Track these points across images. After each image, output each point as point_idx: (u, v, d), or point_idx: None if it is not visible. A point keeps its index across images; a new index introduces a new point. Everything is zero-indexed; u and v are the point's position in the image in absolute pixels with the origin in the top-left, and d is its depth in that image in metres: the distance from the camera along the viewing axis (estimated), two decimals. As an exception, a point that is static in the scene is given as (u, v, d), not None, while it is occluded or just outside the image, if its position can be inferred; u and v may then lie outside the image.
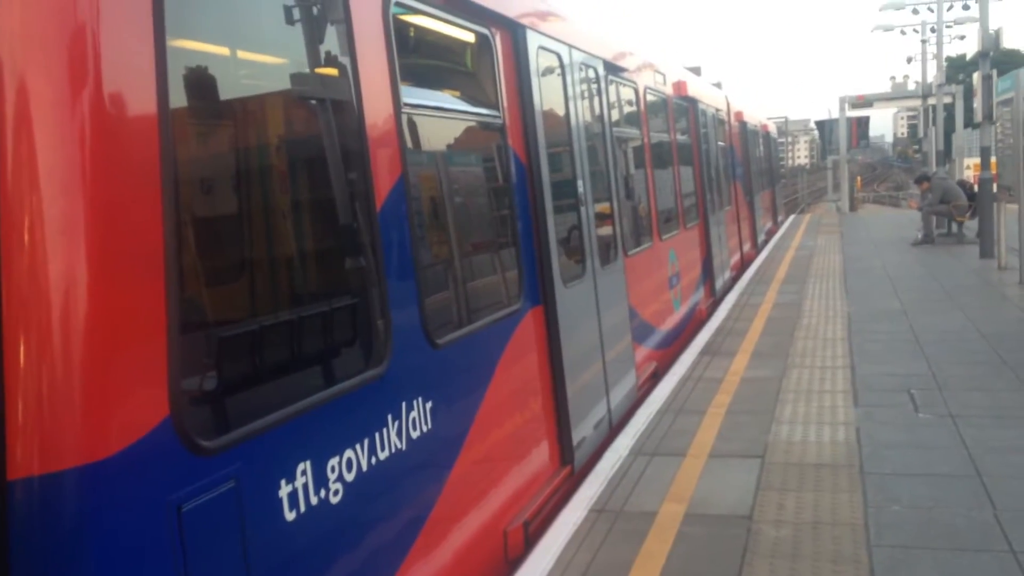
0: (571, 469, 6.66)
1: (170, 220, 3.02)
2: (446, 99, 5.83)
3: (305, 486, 3.64)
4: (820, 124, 44.98)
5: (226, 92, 3.68)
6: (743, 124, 22.70)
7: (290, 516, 3.54)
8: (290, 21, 4.02)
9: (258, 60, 4.03)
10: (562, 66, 7.59)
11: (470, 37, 6.02)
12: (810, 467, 6.58)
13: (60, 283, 2.71)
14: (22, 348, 2.67)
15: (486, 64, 6.15)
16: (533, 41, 6.78)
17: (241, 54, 3.86)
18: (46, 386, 2.66)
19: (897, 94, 43.32)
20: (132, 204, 2.92)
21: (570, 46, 7.86)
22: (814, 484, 6.24)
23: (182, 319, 3.06)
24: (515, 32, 6.55)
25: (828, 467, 6.55)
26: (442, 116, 5.62)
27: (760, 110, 30.10)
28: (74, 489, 2.68)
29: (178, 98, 3.25)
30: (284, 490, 3.52)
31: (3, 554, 2.58)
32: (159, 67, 3.04)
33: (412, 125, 4.98)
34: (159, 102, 3.03)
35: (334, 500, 3.82)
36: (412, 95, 4.92)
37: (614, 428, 7.87)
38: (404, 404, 4.44)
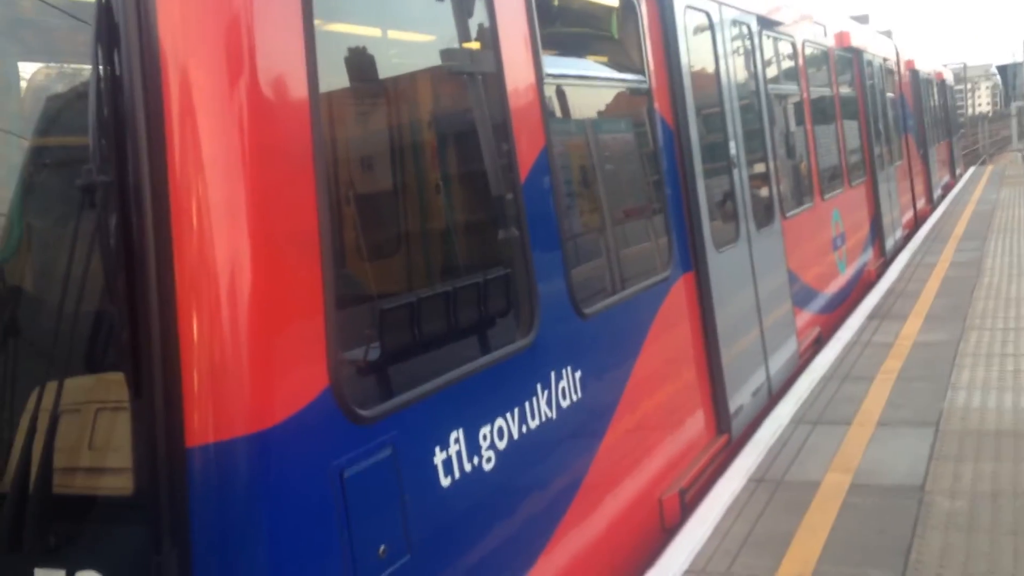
0: (728, 438, 6.54)
1: (323, 199, 3.16)
2: (589, 66, 5.79)
3: (459, 453, 3.75)
4: (1002, 69, 41.64)
5: (371, 72, 3.80)
6: (914, 73, 21.31)
7: (445, 482, 3.66)
8: (431, -1, 4.09)
9: (400, 39, 4.14)
10: (711, 25, 7.36)
11: (614, 1, 5.93)
12: (989, 435, 6.18)
13: (226, 264, 2.89)
14: (195, 326, 2.87)
15: (631, 28, 6.05)
16: (680, 1, 6.61)
17: (383, 33, 3.97)
18: (217, 360, 2.86)
19: (1092, 29, 39.32)
20: (289, 186, 3.07)
21: (720, 3, 7.61)
22: (994, 453, 5.86)
23: (338, 294, 3.21)
24: None
25: (1010, 435, 6.13)
26: (586, 84, 5.59)
27: (934, 57, 28.19)
28: (245, 455, 2.87)
29: (327, 81, 3.38)
30: (439, 457, 3.65)
31: (184, 515, 2.80)
32: (309, 53, 3.17)
33: (555, 95, 4.98)
34: (310, 87, 3.17)
35: (487, 467, 3.92)
36: (554, 65, 4.91)
37: (774, 396, 7.65)
38: (553, 373, 4.48)
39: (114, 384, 2.98)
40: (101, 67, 2.85)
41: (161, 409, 2.80)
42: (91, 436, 3.08)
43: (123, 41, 2.86)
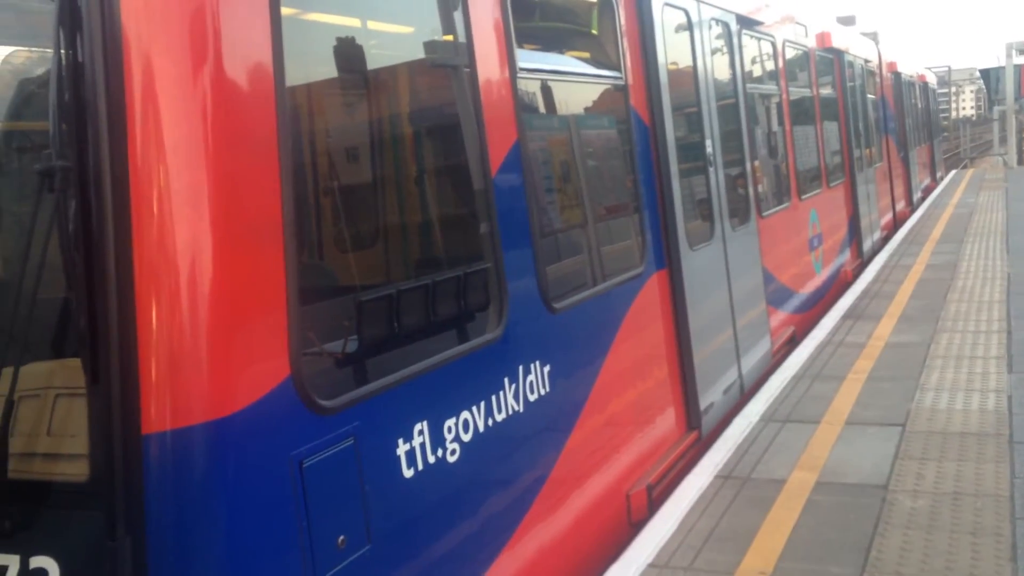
0: (698, 434, 6.58)
1: (288, 190, 3.16)
2: (564, 61, 5.79)
3: (422, 445, 3.76)
4: (985, 73, 41.83)
5: (340, 63, 3.79)
6: (897, 75, 21.45)
7: (408, 473, 3.67)
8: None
9: (371, 29, 4.13)
10: (689, 23, 7.38)
11: (591, -2, 5.95)
12: (954, 436, 6.25)
13: (186, 251, 2.89)
14: (154, 312, 2.86)
15: (607, 25, 6.06)
16: (658, -1, 6.63)
17: (354, 24, 3.96)
18: (175, 347, 2.86)
19: (1073, 36, 39.63)
20: (252, 175, 3.07)
21: (699, 1, 7.63)
22: (958, 454, 5.92)
23: (302, 285, 3.21)
24: None
25: (974, 436, 6.20)
26: (560, 79, 5.59)
27: (917, 60, 28.39)
28: (202, 443, 2.87)
29: (294, 71, 3.37)
30: (402, 448, 3.65)
31: (139, 502, 2.80)
32: (275, 41, 3.17)
33: (528, 90, 4.98)
34: (276, 75, 3.16)
35: (451, 459, 3.93)
36: (528, 59, 4.92)
37: (746, 394, 7.70)
38: (521, 368, 4.50)
39: (74, 370, 2.97)
40: (63, 51, 2.84)
41: (118, 396, 2.79)
42: (49, 422, 3.07)
43: (85, 25, 2.84)
